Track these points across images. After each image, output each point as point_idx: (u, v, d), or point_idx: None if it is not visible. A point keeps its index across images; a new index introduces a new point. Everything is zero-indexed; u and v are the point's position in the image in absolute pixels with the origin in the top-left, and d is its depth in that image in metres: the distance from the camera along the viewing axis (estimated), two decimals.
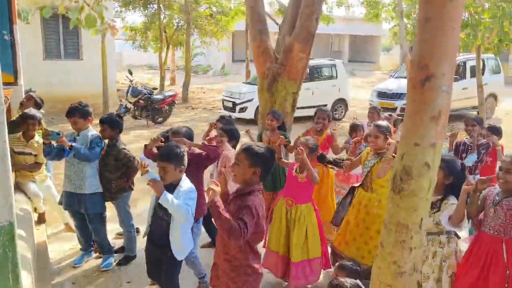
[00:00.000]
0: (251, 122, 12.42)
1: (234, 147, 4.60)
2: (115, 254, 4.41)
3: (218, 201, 2.37)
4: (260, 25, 5.72)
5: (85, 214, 4.14)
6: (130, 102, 11.47)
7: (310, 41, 5.48)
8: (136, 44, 19.00)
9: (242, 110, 12.48)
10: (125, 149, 4.08)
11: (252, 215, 2.44)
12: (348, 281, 2.62)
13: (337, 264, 3.31)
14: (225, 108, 13.15)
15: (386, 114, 5.86)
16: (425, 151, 1.91)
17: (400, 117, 5.70)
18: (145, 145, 3.82)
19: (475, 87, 12.04)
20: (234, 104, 12.59)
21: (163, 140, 3.77)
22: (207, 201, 2.48)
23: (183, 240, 3.13)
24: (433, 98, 1.86)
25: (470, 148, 5.03)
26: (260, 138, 5.18)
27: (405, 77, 13.44)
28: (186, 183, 3.10)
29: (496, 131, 5.27)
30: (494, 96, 13.54)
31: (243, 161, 2.52)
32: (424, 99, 1.88)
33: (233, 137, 4.51)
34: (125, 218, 4.30)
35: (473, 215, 3.13)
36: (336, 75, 13.31)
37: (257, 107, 12.36)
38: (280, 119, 5.08)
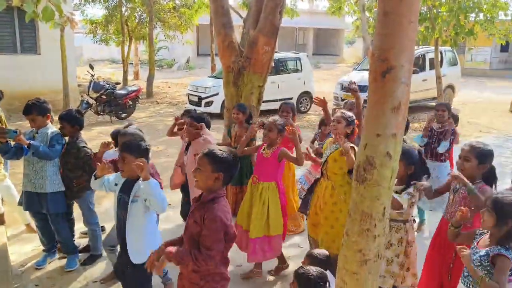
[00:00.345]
0: (217, 116, 12.38)
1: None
2: (80, 254, 4.31)
3: (169, 254, 2.43)
4: (224, 18, 5.69)
5: (47, 214, 4.02)
6: (92, 98, 11.17)
7: (275, 34, 5.51)
8: (97, 38, 18.46)
9: (208, 104, 12.40)
10: (85, 147, 3.98)
11: (218, 231, 2.40)
12: (313, 269, 2.66)
13: (307, 252, 3.37)
14: (191, 102, 13.03)
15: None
16: (387, 141, 1.96)
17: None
18: (95, 154, 3.78)
19: (434, 79, 12.45)
20: (200, 98, 12.49)
21: (112, 145, 3.74)
22: None
23: (144, 239, 3.00)
24: (393, 90, 1.91)
25: (437, 134, 5.16)
26: (229, 134, 5.20)
27: (367, 70, 13.73)
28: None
29: (454, 118, 5.52)
30: (451, 87, 14.04)
31: (206, 166, 2.44)
32: (385, 91, 1.93)
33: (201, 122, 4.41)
34: (89, 217, 4.20)
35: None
36: (301, 68, 13.43)
37: (223, 101, 12.37)
38: (246, 112, 5.11)
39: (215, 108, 12.37)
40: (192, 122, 4.12)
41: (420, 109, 14.00)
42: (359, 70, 14.36)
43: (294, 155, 3.93)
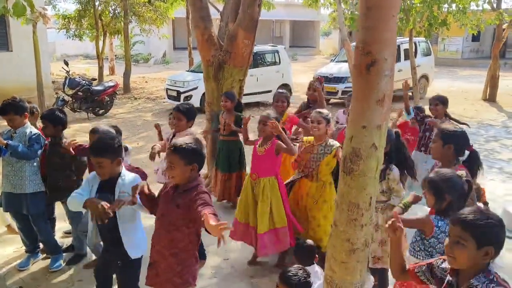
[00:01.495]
0: (198, 110, 12.31)
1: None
2: (64, 254, 4.26)
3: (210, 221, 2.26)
4: (202, 11, 5.66)
5: (28, 215, 3.95)
6: (68, 95, 10.95)
7: (254, 27, 5.52)
8: (70, 33, 18.04)
9: (187, 98, 12.31)
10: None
11: (208, 199, 2.47)
12: (298, 271, 2.70)
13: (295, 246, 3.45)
14: (169, 97, 12.92)
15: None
16: (372, 133, 2.01)
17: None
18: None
19: (409, 69, 12.67)
20: (179, 93, 12.39)
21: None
22: None
23: (138, 233, 3.04)
24: (377, 82, 1.96)
25: (430, 127, 5.10)
26: (217, 119, 5.28)
27: (345, 61, 13.87)
28: (128, 175, 2.96)
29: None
30: (426, 77, 14.31)
31: (178, 162, 2.47)
32: (369, 84, 1.97)
33: (191, 117, 4.35)
34: (75, 217, 4.14)
35: None
36: (279, 61, 13.47)
37: (203, 95, 12.31)
38: (235, 100, 5.19)
39: (194, 102, 12.26)
40: (181, 115, 4.10)
41: (396, 98, 14.20)
42: (336, 62, 14.49)
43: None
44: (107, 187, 2.90)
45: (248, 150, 5.30)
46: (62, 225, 4.69)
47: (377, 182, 2.14)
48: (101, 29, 17.82)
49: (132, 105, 14.02)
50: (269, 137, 3.99)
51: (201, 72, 12.82)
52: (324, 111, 4.17)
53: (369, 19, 1.93)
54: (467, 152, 3.32)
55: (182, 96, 12.35)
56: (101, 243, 3.37)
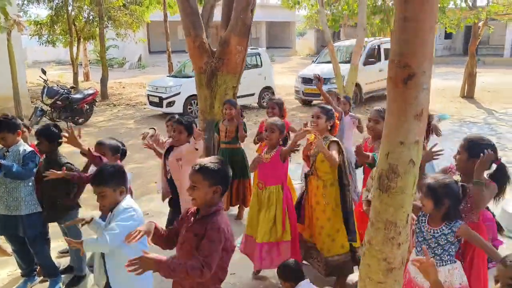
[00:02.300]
0: (180, 116, 12.10)
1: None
2: (62, 275, 4.05)
3: (161, 264, 2.16)
4: (193, 18, 5.52)
5: (24, 237, 3.73)
6: (47, 104, 10.58)
7: (247, 33, 5.42)
8: (43, 40, 17.49)
9: (170, 104, 12.10)
10: (68, 163, 3.71)
11: (218, 241, 2.29)
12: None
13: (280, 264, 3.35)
14: (151, 103, 12.66)
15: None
16: (410, 148, 1.94)
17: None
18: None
19: None
20: (161, 99, 12.15)
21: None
22: None
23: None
24: (415, 96, 1.89)
25: None
26: (217, 128, 5.14)
27: (326, 62, 13.92)
28: (124, 202, 2.75)
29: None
30: None
31: (201, 183, 2.32)
32: (407, 98, 1.90)
33: (192, 131, 4.13)
34: (74, 237, 3.93)
35: None
36: (261, 64, 13.38)
37: (185, 101, 12.12)
38: (237, 107, 5.10)
39: (177, 108, 12.08)
40: (181, 128, 3.94)
41: (378, 98, 14.38)
42: (317, 63, 14.52)
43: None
44: (103, 217, 2.79)
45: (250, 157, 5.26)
46: (56, 245, 4.47)
47: (412, 199, 2.07)
48: (75, 35, 17.36)
49: (112, 113, 13.69)
50: (275, 144, 3.89)
51: (183, 77, 12.83)
52: (327, 106, 4.09)
53: (406, 31, 1.86)
54: (494, 165, 3.06)
55: (165, 102, 12.12)
56: None
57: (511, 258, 1.86)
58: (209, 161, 2.39)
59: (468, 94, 14.32)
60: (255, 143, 5.19)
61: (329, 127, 3.91)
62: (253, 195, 4.00)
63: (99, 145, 3.68)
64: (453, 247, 2.58)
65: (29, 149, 3.70)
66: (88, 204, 5.05)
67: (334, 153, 3.71)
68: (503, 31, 25.90)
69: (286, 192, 3.91)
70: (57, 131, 3.70)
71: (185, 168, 3.77)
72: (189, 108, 12.24)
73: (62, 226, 3.95)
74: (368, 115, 4.23)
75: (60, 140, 3.54)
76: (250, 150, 5.92)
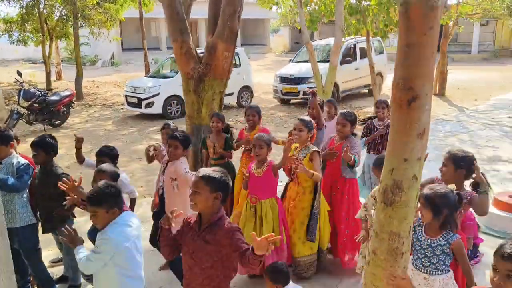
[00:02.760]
0: (159, 117, 12.05)
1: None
2: (57, 285, 4.04)
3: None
4: (180, 24, 5.53)
5: (19, 249, 3.71)
6: (23, 107, 10.33)
7: (234, 39, 5.48)
8: (13, 38, 16.99)
9: (149, 105, 12.02)
10: (64, 173, 3.70)
11: (241, 237, 2.45)
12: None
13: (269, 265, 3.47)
14: (129, 104, 12.54)
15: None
16: (413, 165, 2.08)
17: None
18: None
19: (365, 67, 13.09)
20: (140, 99, 12.05)
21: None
22: None
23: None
24: (418, 117, 2.02)
25: (379, 131, 5.32)
26: (204, 143, 5.10)
27: (304, 62, 14.09)
28: (111, 225, 2.79)
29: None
30: (380, 75, 14.83)
31: (203, 188, 2.46)
32: (411, 118, 2.03)
33: (188, 145, 4.15)
34: (70, 248, 3.93)
35: None
36: (240, 63, 13.43)
37: (165, 102, 12.05)
38: (224, 120, 5.07)
39: (156, 109, 12.03)
40: (177, 143, 3.93)
41: (354, 97, 14.69)
42: (295, 62, 14.67)
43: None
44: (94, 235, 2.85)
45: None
46: (46, 253, 4.44)
47: (414, 211, 2.21)
48: (47, 33, 16.95)
49: (88, 113, 13.47)
50: (264, 159, 3.99)
51: (162, 78, 12.74)
52: (307, 118, 4.29)
53: (409, 57, 1.98)
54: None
55: (144, 103, 12.04)
56: None
57: (507, 250, 1.95)
58: (212, 169, 2.55)
59: (440, 92, 14.79)
60: (235, 149, 5.17)
61: (309, 138, 4.13)
62: (245, 210, 4.05)
63: (100, 172, 3.61)
64: (448, 257, 2.72)
65: (22, 161, 3.67)
66: (84, 214, 5.02)
67: (317, 164, 4.00)
68: (471, 28, 26.79)
69: (280, 204, 4.05)
70: (53, 141, 3.69)
71: (181, 190, 3.83)
72: (169, 109, 12.19)
73: (56, 236, 3.94)
74: (337, 118, 4.59)
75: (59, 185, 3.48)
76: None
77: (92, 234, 3.65)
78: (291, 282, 3.33)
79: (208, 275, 2.48)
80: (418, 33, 1.95)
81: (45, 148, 3.63)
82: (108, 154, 3.87)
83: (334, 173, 4.36)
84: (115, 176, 3.54)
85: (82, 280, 4.11)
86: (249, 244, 2.35)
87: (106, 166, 3.56)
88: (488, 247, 4.71)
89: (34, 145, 3.65)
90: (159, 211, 4.21)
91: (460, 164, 3.27)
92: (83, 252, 2.78)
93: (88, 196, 2.81)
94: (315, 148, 4.10)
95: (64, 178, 3.21)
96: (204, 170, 2.55)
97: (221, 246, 2.44)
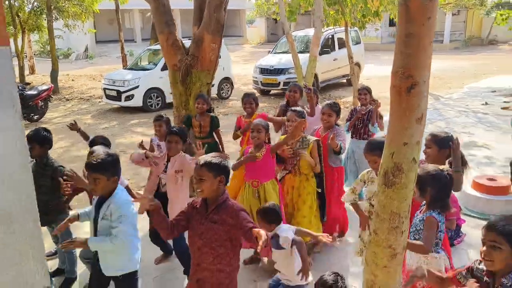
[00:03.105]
0: (140, 110, 11.95)
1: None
2: (53, 278, 4.05)
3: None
4: (166, 16, 5.53)
5: None
6: None
7: (221, 31, 5.52)
8: None
9: (129, 98, 11.92)
10: (61, 166, 3.70)
11: (248, 214, 2.62)
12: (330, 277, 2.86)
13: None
14: (108, 97, 12.40)
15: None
16: (413, 148, 2.20)
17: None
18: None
19: (344, 58, 13.29)
20: (119, 92, 11.94)
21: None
22: None
23: (120, 255, 3.01)
24: (417, 103, 2.14)
25: (361, 116, 5.46)
26: (188, 121, 5.29)
27: (283, 53, 14.19)
28: (119, 196, 2.94)
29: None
30: (358, 65, 15.06)
31: (207, 175, 2.59)
32: (410, 104, 2.14)
33: (186, 138, 4.21)
34: (67, 238, 3.93)
35: None
36: (220, 55, 13.37)
37: (145, 94, 11.94)
38: (209, 102, 5.23)
39: (136, 102, 11.93)
40: (177, 138, 3.96)
41: (333, 87, 14.90)
42: (274, 53, 14.75)
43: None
44: (97, 206, 2.96)
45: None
46: None
47: (412, 192, 2.34)
48: (19, 26, 16.49)
49: (66, 108, 13.24)
50: (261, 144, 4.08)
51: (141, 70, 12.61)
52: (299, 109, 4.41)
53: (408, 46, 2.09)
54: None
55: (123, 96, 11.93)
56: None
57: (491, 222, 2.13)
58: (211, 156, 2.68)
59: None
60: (235, 138, 5.33)
61: (302, 128, 4.23)
62: (247, 194, 4.12)
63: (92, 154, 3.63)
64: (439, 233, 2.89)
65: None
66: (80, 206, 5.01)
67: (316, 154, 4.20)
68: (443, 18, 27.39)
69: (279, 184, 4.19)
70: (48, 134, 3.68)
71: (184, 182, 3.89)
72: (149, 102, 12.11)
73: (52, 229, 3.94)
74: (322, 108, 4.69)
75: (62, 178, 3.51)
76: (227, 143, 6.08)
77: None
78: (285, 224, 3.49)
79: (218, 253, 2.60)
80: (417, 23, 2.05)
81: (40, 141, 3.63)
82: (101, 144, 3.89)
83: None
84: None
85: (78, 272, 4.14)
86: (254, 222, 2.48)
87: (99, 148, 3.60)
88: (469, 227, 4.96)
89: (28, 138, 3.62)
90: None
91: (443, 145, 3.52)
92: (100, 239, 2.90)
93: (90, 162, 2.88)
94: (314, 139, 4.23)
95: (66, 172, 3.23)
96: (204, 158, 2.67)
97: (228, 225, 2.58)
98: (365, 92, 5.62)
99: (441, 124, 9.96)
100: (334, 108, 4.55)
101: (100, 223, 2.93)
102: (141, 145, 4.41)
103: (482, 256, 2.16)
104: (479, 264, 2.28)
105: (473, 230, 4.85)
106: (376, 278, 2.43)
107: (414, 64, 2.10)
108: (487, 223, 2.18)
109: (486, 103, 11.77)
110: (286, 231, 3.30)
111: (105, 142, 3.99)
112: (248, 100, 5.20)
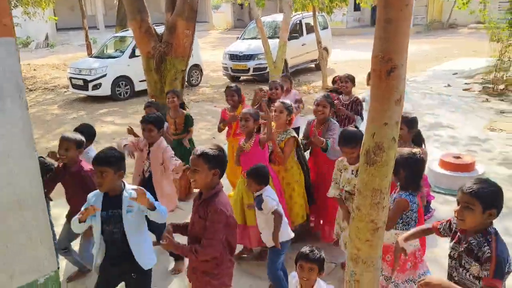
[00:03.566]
0: (108, 99, 11.74)
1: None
2: None
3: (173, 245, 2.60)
4: (138, 3, 5.48)
5: None
6: None
7: (194, 17, 5.52)
8: None
9: (96, 87, 11.67)
10: (41, 157, 3.64)
11: (219, 221, 2.61)
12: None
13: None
14: (75, 86, 12.10)
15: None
16: (392, 128, 2.33)
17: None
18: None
19: (312, 43, 13.45)
20: (86, 81, 11.67)
21: None
22: None
23: (146, 244, 3.06)
24: (396, 85, 2.26)
25: (345, 106, 5.41)
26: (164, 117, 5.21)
27: (252, 38, 14.20)
28: (129, 188, 3.00)
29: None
30: (326, 49, 15.27)
31: (202, 166, 2.61)
32: (390, 87, 2.26)
33: (162, 125, 4.22)
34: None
35: None
36: None
37: (113, 82, 11.71)
38: (181, 96, 5.17)
39: (104, 91, 11.70)
40: (151, 126, 3.95)
41: (302, 72, 15.06)
42: (243, 39, 14.73)
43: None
44: (114, 203, 2.90)
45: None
46: None
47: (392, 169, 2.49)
48: None
49: (30, 98, 12.80)
50: (251, 133, 4.11)
51: (108, 58, 12.34)
52: (288, 102, 4.44)
53: (387, 31, 2.20)
54: None
55: (90, 85, 11.67)
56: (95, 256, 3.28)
57: (467, 185, 2.39)
58: (208, 147, 2.68)
59: None
60: (219, 130, 5.30)
61: (288, 121, 4.28)
62: (241, 184, 4.12)
63: (64, 140, 3.57)
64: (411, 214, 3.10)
65: None
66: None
67: (289, 150, 4.17)
68: None
69: (272, 173, 4.12)
70: None
71: (167, 171, 3.92)
72: (118, 90, 11.91)
73: None
74: (316, 100, 4.58)
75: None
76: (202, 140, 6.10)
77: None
78: (268, 186, 3.62)
79: None
80: (396, 9, 2.16)
81: None
82: (85, 132, 3.86)
83: (320, 157, 4.50)
84: (80, 143, 3.56)
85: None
86: (213, 234, 2.60)
87: (70, 133, 3.60)
88: (438, 203, 5.23)
89: None
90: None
91: (411, 125, 3.86)
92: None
93: (97, 156, 2.90)
94: (293, 134, 4.23)
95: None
96: (201, 149, 2.67)
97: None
98: (346, 80, 5.54)
99: (407, 105, 10.28)
100: (329, 100, 4.45)
101: (127, 217, 2.90)
102: (130, 131, 4.44)
103: (455, 215, 2.44)
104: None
105: (441, 206, 5.14)
106: (359, 252, 2.57)
107: (393, 48, 2.21)
108: (462, 186, 2.43)
109: (449, 85, 12.24)
110: (271, 194, 3.49)
111: (90, 130, 3.99)
112: (230, 93, 5.20)
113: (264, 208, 3.46)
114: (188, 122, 5.27)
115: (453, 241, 2.57)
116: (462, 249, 2.47)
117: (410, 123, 3.95)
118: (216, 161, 2.63)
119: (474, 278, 2.41)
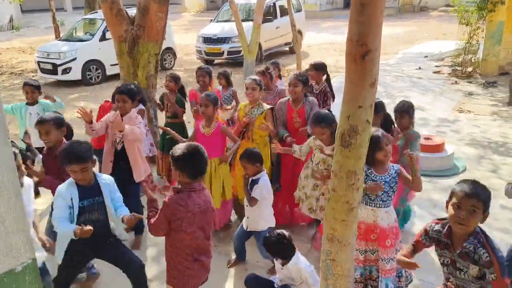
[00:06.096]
0: (79, 83, 11.45)
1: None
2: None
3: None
4: None
5: None
6: None
7: (167, 0, 5.40)
8: None
9: (66, 71, 11.37)
10: (14, 144, 3.55)
11: (165, 214, 2.75)
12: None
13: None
14: (43, 70, 11.74)
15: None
16: (367, 111, 2.38)
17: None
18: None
19: (286, 26, 13.40)
20: (55, 65, 11.34)
21: None
22: None
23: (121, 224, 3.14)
24: (371, 69, 2.30)
25: (316, 95, 5.23)
26: (162, 101, 5.31)
27: (225, 21, 14.03)
28: (105, 176, 3.16)
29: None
30: (300, 32, 15.26)
31: (174, 167, 2.80)
32: (364, 70, 2.31)
33: (135, 97, 4.25)
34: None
35: None
36: None
37: (83, 66, 11.40)
38: (179, 82, 5.17)
39: (75, 75, 11.41)
40: (125, 97, 3.91)
41: (276, 55, 15.03)
42: (216, 21, 14.55)
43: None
44: (94, 192, 2.92)
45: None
46: None
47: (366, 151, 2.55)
48: None
49: None
50: (211, 118, 4.13)
51: (78, 41, 11.99)
52: (257, 77, 4.50)
53: (362, 15, 2.23)
54: None
55: (60, 69, 11.36)
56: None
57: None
58: (177, 147, 2.81)
59: None
60: (195, 116, 5.22)
61: (260, 97, 4.35)
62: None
63: (41, 123, 3.49)
64: (391, 190, 3.19)
65: None
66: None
67: (271, 121, 4.30)
68: None
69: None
70: None
71: (141, 147, 3.98)
72: (88, 75, 11.62)
73: None
74: (288, 80, 4.63)
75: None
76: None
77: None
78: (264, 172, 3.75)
79: (169, 233, 2.85)
80: None
81: None
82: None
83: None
84: (60, 122, 3.50)
85: None
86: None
87: (46, 114, 3.53)
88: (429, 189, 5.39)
89: None
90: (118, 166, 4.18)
91: (378, 110, 3.85)
92: None
93: (74, 155, 2.90)
94: (268, 106, 4.34)
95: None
96: (173, 150, 2.81)
97: None
98: (311, 69, 5.35)
99: (379, 88, 10.43)
100: (300, 78, 4.42)
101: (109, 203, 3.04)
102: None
103: (457, 221, 2.38)
104: (434, 226, 2.58)
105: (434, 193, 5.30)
106: (335, 232, 2.65)
107: (367, 32, 2.25)
108: (464, 191, 2.37)
109: (420, 68, 12.47)
110: (266, 186, 3.62)
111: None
112: (202, 73, 5.21)
113: (254, 193, 3.57)
114: (177, 103, 5.22)
115: (440, 249, 2.57)
116: (456, 254, 2.47)
117: (375, 107, 4.02)
118: (177, 164, 2.77)
119: (474, 278, 2.44)
